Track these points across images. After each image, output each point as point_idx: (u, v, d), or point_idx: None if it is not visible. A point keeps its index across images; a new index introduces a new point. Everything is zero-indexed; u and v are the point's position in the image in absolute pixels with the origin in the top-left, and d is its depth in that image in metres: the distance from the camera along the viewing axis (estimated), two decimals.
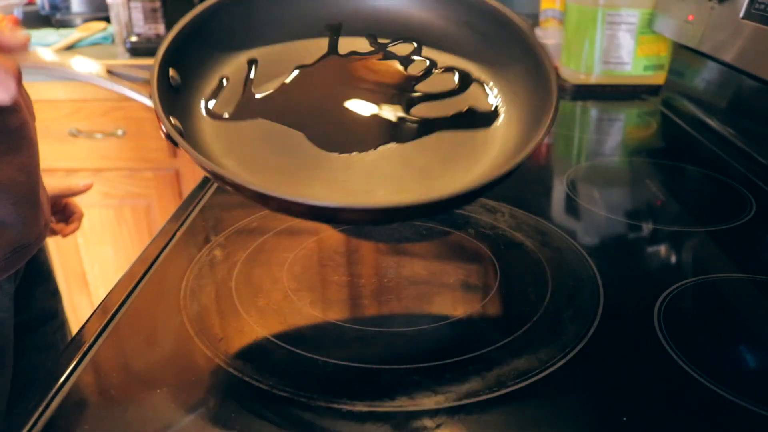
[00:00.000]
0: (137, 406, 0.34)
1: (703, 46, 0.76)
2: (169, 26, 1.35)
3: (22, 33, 0.41)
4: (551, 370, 0.36)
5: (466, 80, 0.47)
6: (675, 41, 0.88)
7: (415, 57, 0.49)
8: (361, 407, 0.34)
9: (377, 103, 0.46)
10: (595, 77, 0.96)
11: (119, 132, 1.36)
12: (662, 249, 0.51)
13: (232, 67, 0.45)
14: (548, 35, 1.09)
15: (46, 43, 1.41)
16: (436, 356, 0.38)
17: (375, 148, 0.43)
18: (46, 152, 1.52)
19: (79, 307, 1.56)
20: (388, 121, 0.45)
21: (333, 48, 0.48)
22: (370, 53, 0.48)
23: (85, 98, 1.34)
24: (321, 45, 0.48)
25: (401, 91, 0.47)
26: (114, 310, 0.42)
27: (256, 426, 0.33)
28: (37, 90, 1.35)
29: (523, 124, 0.44)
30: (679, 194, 0.62)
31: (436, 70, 0.48)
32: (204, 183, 0.65)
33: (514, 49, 0.46)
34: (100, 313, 0.42)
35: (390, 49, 0.49)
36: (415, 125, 0.45)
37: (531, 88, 0.45)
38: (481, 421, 0.33)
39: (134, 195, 1.42)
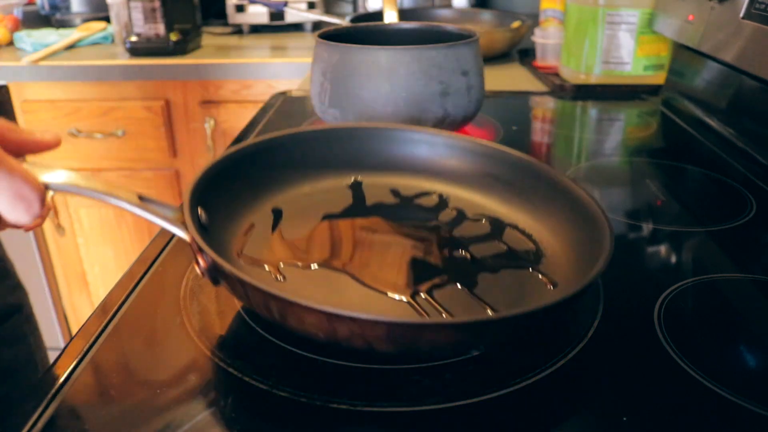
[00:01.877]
0: (137, 406, 0.34)
1: (703, 46, 0.76)
2: (168, 26, 1.35)
3: (54, 134, 0.38)
4: (551, 370, 0.36)
5: (498, 226, 0.48)
6: (675, 41, 0.88)
7: (443, 207, 0.50)
8: (361, 407, 0.34)
9: (417, 247, 0.45)
10: (595, 77, 0.96)
11: (119, 132, 1.36)
12: (662, 249, 0.51)
13: (258, 214, 0.46)
14: (548, 35, 1.09)
15: (45, 43, 1.40)
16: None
17: (432, 290, 0.41)
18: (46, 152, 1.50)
19: (79, 307, 1.56)
20: (437, 264, 0.44)
21: (357, 203, 0.50)
22: (395, 204, 0.50)
23: (85, 98, 1.34)
24: (345, 193, 0.50)
25: (439, 236, 0.47)
26: (114, 310, 0.42)
27: (256, 426, 0.33)
28: (37, 90, 1.35)
29: (575, 261, 0.43)
30: (679, 194, 0.62)
31: (467, 219, 0.49)
32: None
33: (545, 191, 0.48)
34: (100, 313, 0.42)
35: (416, 201, 0.50)
36: (468, 265, 0.44)
37: (574, 225, 0.45)
38: (481, 421, 0.33)
39: None
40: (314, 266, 0.42)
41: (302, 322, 0.33)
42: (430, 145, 0.53)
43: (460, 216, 0.49)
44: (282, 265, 0.42)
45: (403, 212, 0.49)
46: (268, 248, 0.43)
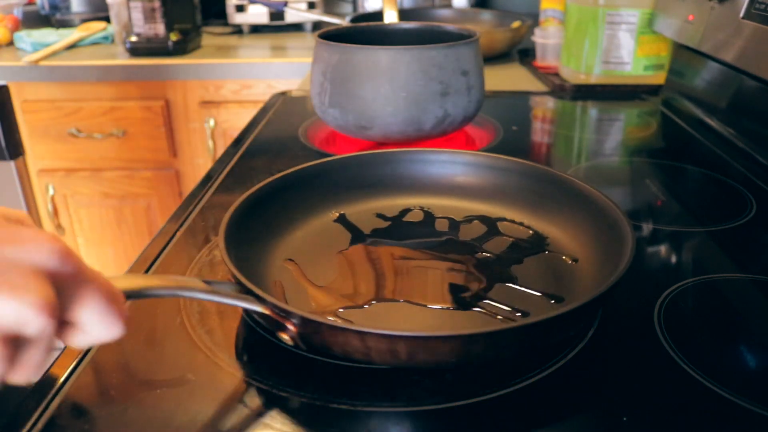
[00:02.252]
0: (137, 406, 0.34)
1: (703, 46, 0.76)
2: (168, 26, 1.35)
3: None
4: (551, 370, 0.36)
5: (489, 222, 0.51)
6: (675, 41, 0.88)
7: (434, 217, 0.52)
8: (361, 407, 0.34)
9: (443, 260, 0.46)
10: (595, 77, 0.96)
11: (119, 132, 1.36)
12: (662, 249, 0.51)
13: (275, 271, 0.44)
14: (548, 35, 1.09)
15: (45, 43, 1.40)
16: None
17: (490, 288, 0.43)
18: (46, 152, 1.53)
19: None
20: (472, 270, 0.45)
21: (356, 234, 0.50)
22: (390, 227, 0.51)
23: (85, 98, 1.34)
24: (338, 228, 0.50)
25: (452, 245, 0.48)
26: None
27: (256, 426, 0.33)
28: (37, 90, 1.35)
29: (578, 233, 0.47)
30: (679, 194, 0.62)
31: (461, 223, 0.51)
32: (204, 183, 0.65)
33: (513, 178, 0.52)
34: None
35: (404, 219, 0.52)
36: (496, 263, 0.46)
37: (553, 200, 0.49)
38: (481, 421, 0.33)
39: (134, 195, 1.42)
40: (371, 303, 0.42)
41: (434, 354, 0.33)
42: (395, 164, 0.55)
43: (453, 223, 0.51)
44: (341, 311, 0.41)
45: (402, 232, 0.50)
46: (313, 301, 0.42)
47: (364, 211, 0.53)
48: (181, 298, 0.40)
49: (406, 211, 0.53)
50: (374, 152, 0.55)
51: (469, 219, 0.51)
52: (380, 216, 0.52)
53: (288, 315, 0.34)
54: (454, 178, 0.55)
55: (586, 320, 0.40)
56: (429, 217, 0.52)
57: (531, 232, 0.49)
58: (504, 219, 0.51)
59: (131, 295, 0.30)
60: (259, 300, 0.35)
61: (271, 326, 0.36)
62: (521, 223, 0.50)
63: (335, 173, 0.53)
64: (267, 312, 0.35)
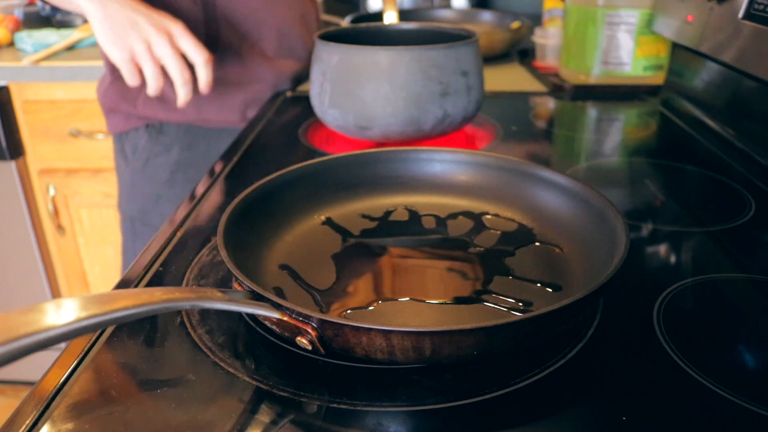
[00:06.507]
0: (137, 406, 0.34)
1: (702, 47, 0.76)
2: None
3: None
4: (551, 370, 0.36)
5: (474, 217, 0.52)
6: (674, 42, 0.88)
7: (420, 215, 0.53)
8: (361, 407, 0.34)
9: (437, 256, 0.47)
10: (594, 77, 0.96)
11: None
12: (662, 249, 0.51)
13: (272, 276, 0.44)
14: (548, 35, 1.09)
15: (46, 44, 1.40)
16: None
17: (490, 282, 0.43)
18: (46, 152, 1.52)
19: None
20: (467, 265, 0.46)
21: (346, 233, 0.50)
22: (378, 227, 0.51)
23: (85, 98, 1.34)
24: (326, 231, 0.50)
25: (443, 242, 0.49)
26: None
27: (256, 426, 0.33)
28: (37, 90, 1.35)
29: (563, 223, 0.48)
30: (679, 194, 0.62)
31: (446, 220, 0.52)
32: (204, 183, 0.65)
33: (481, 172, 0.54)
34: None
35: (390, 219, 0.53)
36: (489, 257, 0.46)
37: (531, 193, 0.51)
38: (481, 421, 0.33)
39: None
40: (376, 303, 0.41)
41: (457, 348, 0.33)
42: (374, 164, 0.55)
43: (439, 219, 0.52)
44: (349, 312, 0.41)
45: (391, 231, 0.51)
46: (317, 305, 0.42)
47: (349, 212, 0.53)
48: (200, 308, 0.40)
49: (390, 210, 0.53)
50: (353, 153, 0.55)
51: (453, 215, 0.52)
52: (366, 217, 0.52)
53: (308, 319, 0.34)
54: (433, 175, 0.55)
55: (594, 305, 0.41)
56: (414, 215, 0.53)
57: (516, 224, 0.50)
58: (487, 213, 0.52)
59: (155, 309, 0.30)
60: (277, 307, 0.35)
61: (286, 332, 0.35)
62: (505, 217, 0.51)
63: (317, 176, 0.53)
64: (285, 318, 0.34)
